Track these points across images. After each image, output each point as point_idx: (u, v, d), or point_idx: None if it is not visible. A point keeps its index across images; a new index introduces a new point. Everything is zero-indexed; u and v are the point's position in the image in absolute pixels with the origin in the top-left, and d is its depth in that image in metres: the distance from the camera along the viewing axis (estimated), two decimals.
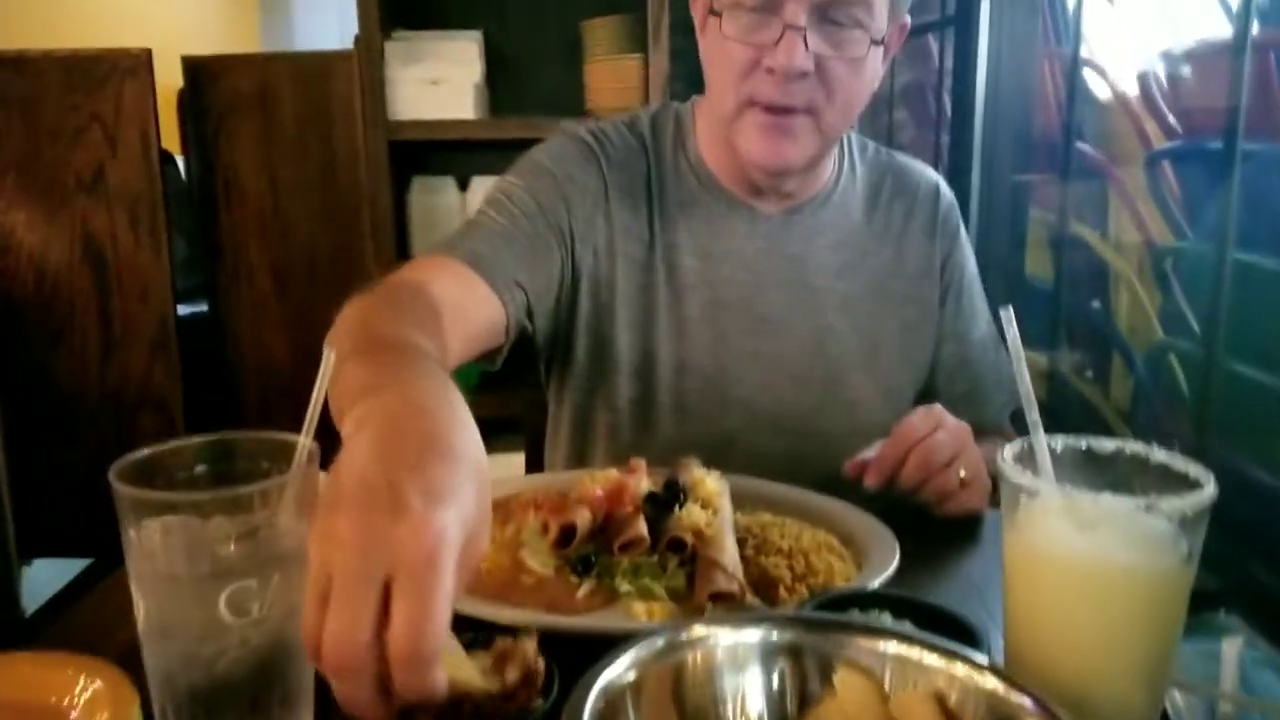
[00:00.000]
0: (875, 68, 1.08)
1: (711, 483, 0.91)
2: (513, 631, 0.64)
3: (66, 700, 0.58)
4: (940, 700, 0.55)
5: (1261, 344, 1.38)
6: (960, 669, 0.56)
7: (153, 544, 0.50)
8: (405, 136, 2.44)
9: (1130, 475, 0.65)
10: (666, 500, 0.87)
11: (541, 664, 0.62)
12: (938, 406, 1.03)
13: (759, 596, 0.80)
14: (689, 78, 1.18)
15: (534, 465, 1.51)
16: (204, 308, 2.81)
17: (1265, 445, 1.38)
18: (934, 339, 1.24)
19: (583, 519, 0.83)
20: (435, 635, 0.49)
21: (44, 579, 2.51)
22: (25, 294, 2.57)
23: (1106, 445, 0.67)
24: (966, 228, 2.01)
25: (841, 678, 0.57)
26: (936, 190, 1.27)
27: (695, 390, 1.17)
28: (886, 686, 0.56)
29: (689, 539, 0.83)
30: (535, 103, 2.65)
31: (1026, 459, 0.65)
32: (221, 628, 0.50)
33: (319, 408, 0.58)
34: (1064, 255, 1.89)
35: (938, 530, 0.99)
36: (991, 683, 0.54)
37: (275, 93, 2.78)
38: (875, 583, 0.80)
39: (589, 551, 0.82)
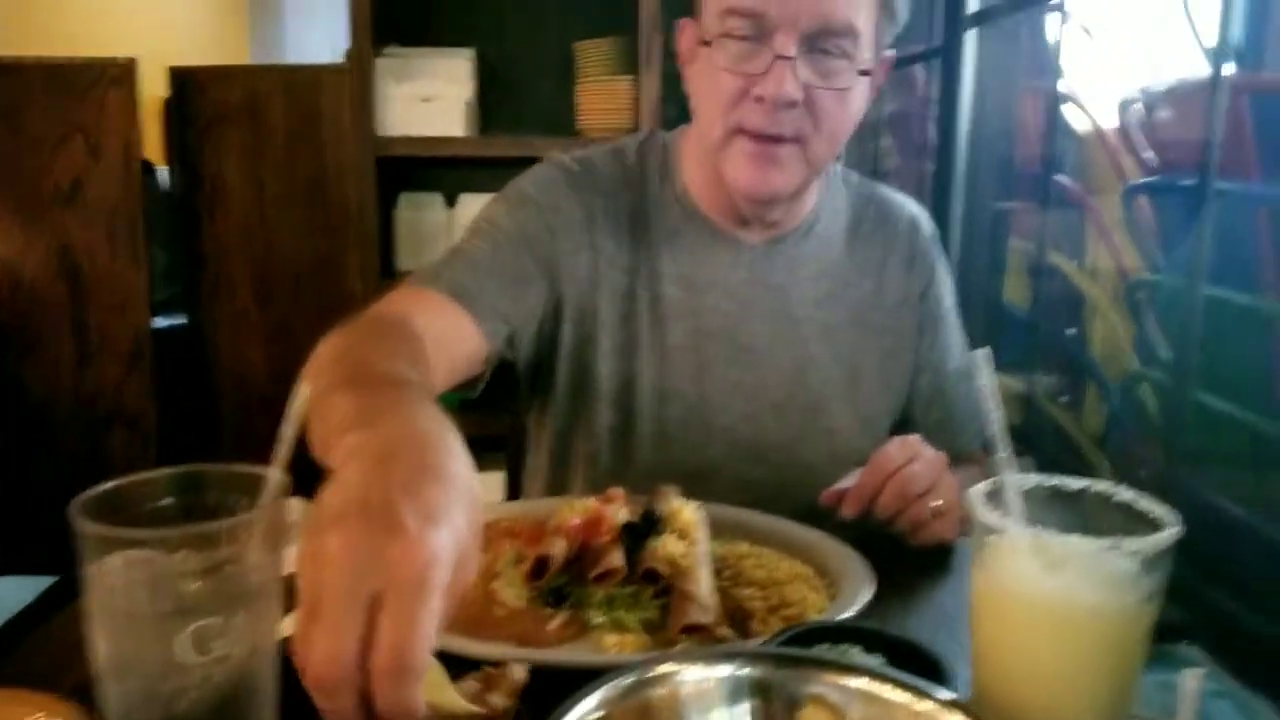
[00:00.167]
0: (861, 99, 1.10)
1: (689, 513, 0.91)
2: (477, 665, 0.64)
3: None
4: None
5: (1230, 377, 1.39)
6: (925, 706, 0.56)
7: (114, 580, 0.50)
8: (394, 152, 2.44)
9: (1097, 513, 0.66)
10: (643, 530, 0.87)
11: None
12: (914, 437, 1.04)
13: (732, 628, 0.81)
14: (680, 100, 1.19)
15: (515, 484, 1.51)
16: (182, 320, 2.80)
17: (1232, 477, 1.40)
18: (911, 368, 1.25)
19: (558, 549, 0.83)
20: (420, 653, 0.49)
21: (9, 596, 2.47)
22: None
23: (1074, 484, 0.68)
24: (948, 254, 2.03)
25: (808, 714, 0.57)
26: (916, 222, 1.28)
27: (677, 419, 1.18)
28: None
29: (664, 570, 0.83)
30: (526, 122, 2.66)
31: (995, 498, 0.66)
32: (183, 666, 0.50)
33: (291, 440, 0.58)
34: (1041, 283, 1.91)
35: (911, 560, 0.99)
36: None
37: (264, 104, 2.78)
38: (848, 614, 0.80)
39: (563, 583, 0.82)
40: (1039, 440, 1.93)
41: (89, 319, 2.57)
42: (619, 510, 0.90)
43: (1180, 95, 1.64)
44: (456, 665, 0.65)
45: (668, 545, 0.85)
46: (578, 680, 0.54)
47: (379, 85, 2.42)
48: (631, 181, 1.21)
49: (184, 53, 3.51)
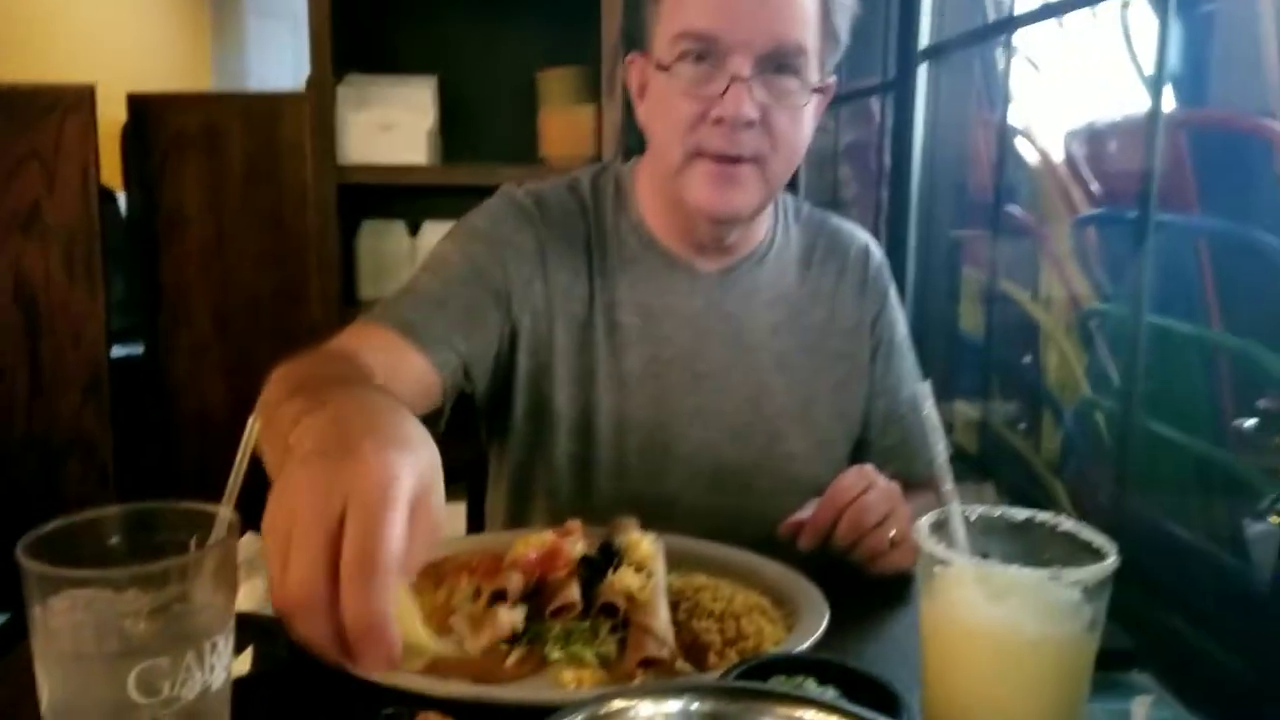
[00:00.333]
0: (812, 119, 1.13)
1: (647, 545, 0.92)
2: (438, 704, 0.64)
3: None
4: None
5: (1176, 404, 1.43)
6: None
7: (59, 622, 0.49)
8: (355, 180, 2.44)
9: (1040, 543, 0.68)
10: (601, 564, 0.87)
11: None
12: (869, 466, 1.06)
13: (689, 661, 0.81)
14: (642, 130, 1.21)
15: (475, 516, 1.51)
16: (140, 349, 2.76)
17: (1181, 502, 1.42)
18: (866, 394, 1.28)
19: (514, 584, 0.83)
20: (384, 556, 0.52)
21: None
22: None
23: (1019, 514, 0.70)
24: (904, 282, 2.07)
25: None
26: (867, 251, 1.31)
27: (635, 447, 1.18)
28: None
29: (622, 604, 0.83)
30: (489, 150, 2.67)
31: (942, 529, 0.67)
32: (130, 707, 0.50)
33: (241, 476, 0.58)
34: (995, 312, 1.95)
35: (867, 591, 1.00)
36: None
37: (223, 132, 2.77)
38: (804, 646, 0.81)
39: (520, 617, 0.82)
40: (997, 467, 1.96)
41: (44, 347, 2.52)
42: (576, 543, 0.90)
43: (1122, 129, 1.68)
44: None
45: (625, 578, 0.85)
46: (535, 717, 0.54)
47: (340, 113, 2.42)
48: (586, 212, 1.22)
49: (146, 80, 3.48)
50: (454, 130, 2.64)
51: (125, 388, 2.63)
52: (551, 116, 2.52)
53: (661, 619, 0.82)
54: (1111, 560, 0.63)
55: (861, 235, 1.33)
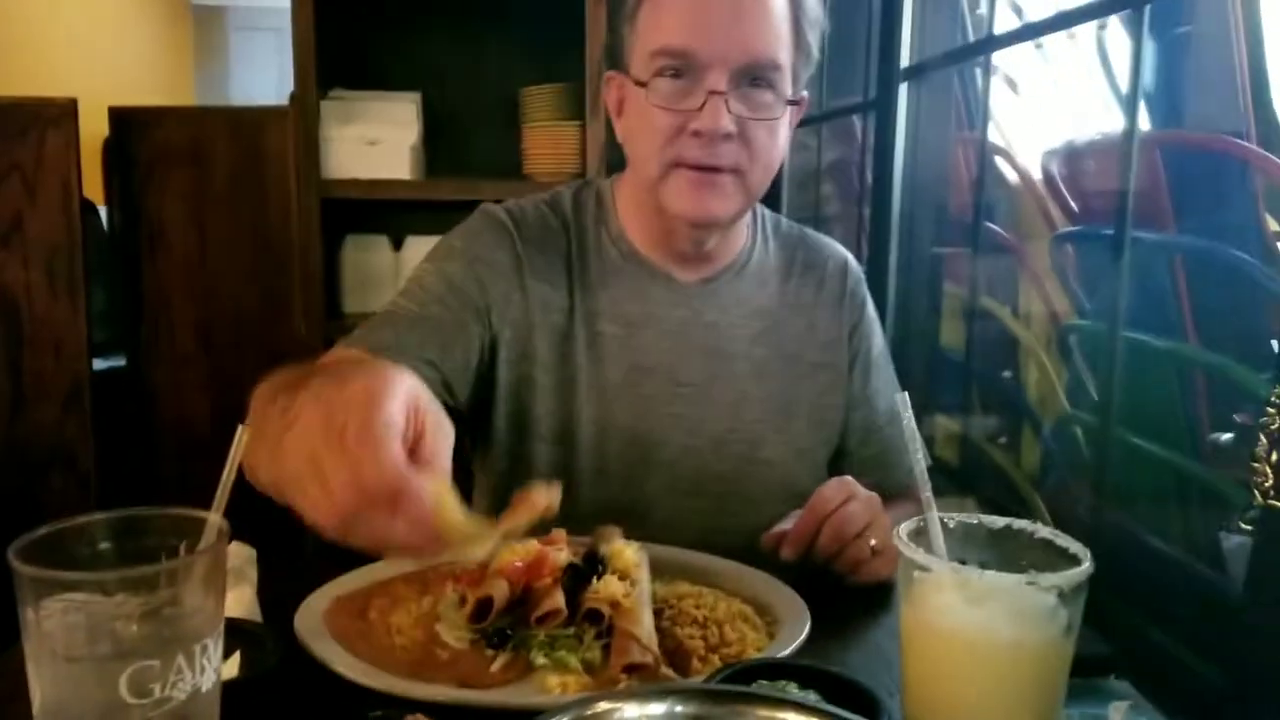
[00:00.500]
0: (787, 131, 1.17)
1: (631, 553, 0.93)
2: (425, 708, 0.65)
3: None
4: None
5: (1152, 418, 1.45)
6: None
7: (52, 624, 0.50)
8: (339, 195, 2.44)
9: (1018, 549, 0.69)
10: (585, 572, 0.88)
11: None
12: (849, 478, 1.07)
13: (673, 667, 0.82)
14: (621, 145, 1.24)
15: None
16: (122, 362, 2.75)
17: (1158, 515, 1.44)
18: (844, 404, 1.30)
19: (500, 591, 0.84)
20: (379, 424, 0.63)
21: None
22: None
23: (997, 522, 0.71)
24: (885, 298, 2.09)
25: None
26: (845, 264, 1.34)
27: (616, 454, 1.20)
28: None
29: (606, 610, 0.84)
30: (473, 165, 2.68)
31: (920, 536, 0.68)
32: (122, 708, 0.50)
33: (230, 483, 0.58)
34: (975, 328, 1.97)
35: (847, 598, 1.02)
36: None
37: (207, 146, 2.76)
38: (786, 652, 0.82)
39: (505, 624, 0.83)
40: (977, 481, 1.97)
41: (26, 360, 2.51)
42: (561, 552, 0.91)
43: (1099, 148, 1.71)
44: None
45: (610, 586, 0.86)
46: None
47: (324, 128, 2.43)
48: (567, 226, 1.24)
49: (128, 93, 3.48)
50: (438, 146, 2.65)
51: (107, 400, 2.61)
52: (535, 133, 2.53)
53: (645, 626, 0.83)
54: (1086, 565, 0.64)
55: (839, 249, 1.36)
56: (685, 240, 1.20)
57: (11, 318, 2.50)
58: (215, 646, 0.55)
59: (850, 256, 1.35)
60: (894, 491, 1.24)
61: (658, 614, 0.87)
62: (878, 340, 1.34)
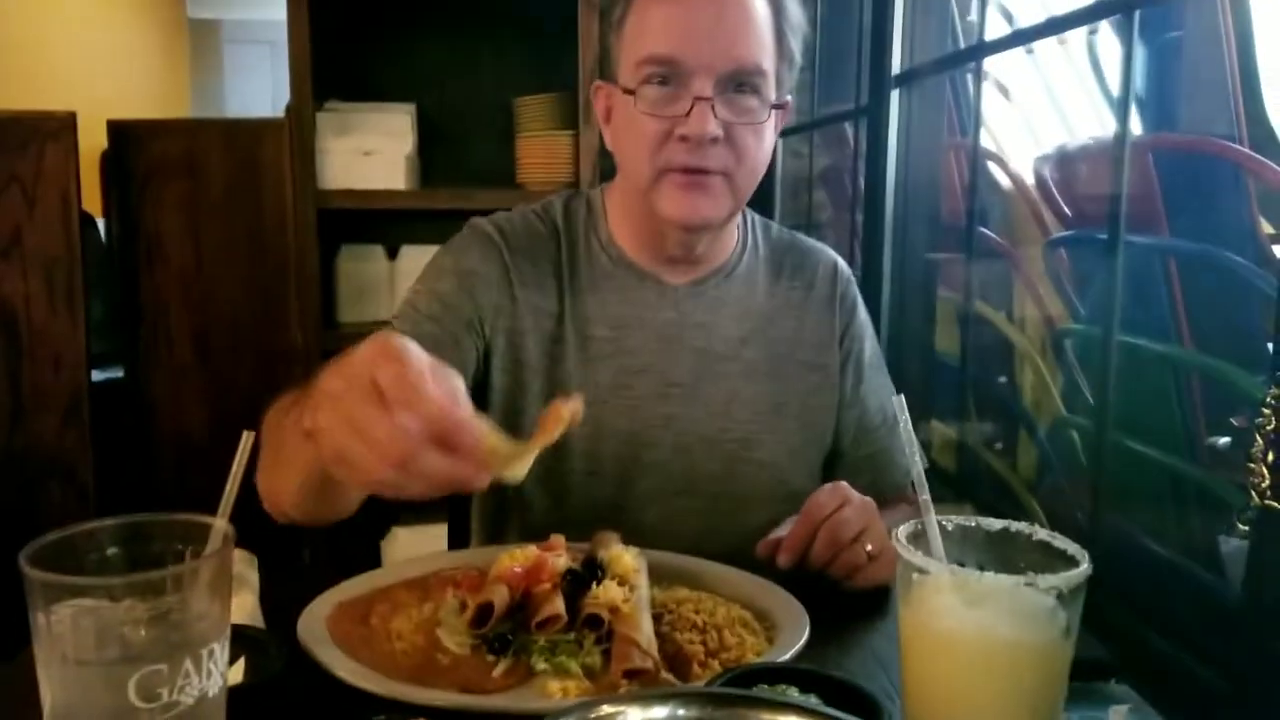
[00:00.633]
0: (772, 134, 1.19)
1: (629, 559, 0.93)
2: (427, 712, 0.65)
3: None
4: None
5: (1149, 422, 1.46)
6: None
7: (62, 629, 0.50)
8: (335, 205, 2.45)
9: (1016, 552, 0.69)
10: (585, 577, 0.89)
11: None
12: (843, 483, 1.08)
13: (673, 672, 0.82)
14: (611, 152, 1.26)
15: (456, 534, 1.52)
16: (119, 373, 2.75)
17: (1156, 518, 1.45)
18: (836, 404, 1.31)
19: (500, 597, 0.84)
20: (413, 370, 0.65)
21: None
22: None
23: (994, 524, 0.71)
24: (880, 304, 2.10)
25: None
26: (835, 266, 1.35)
27: (608, 455, 1.21)
28: None
29: (606, 615, 0.84)
30: (467, 175, 2.69)
31: (919, 539, 0.69)
32: (131, 712, 0.50)
33: (235, 489, 0.59)
34: (970, 333, 1.98)
35: (846, 603, 1.02)
36: None
37: (203, 158, 2.77)
38: (785, 656, 0.82)
39: (506, 630, 0.83)
40: (974, 486, 1.98)
41: (25, 372, 2.51)
42: (559, 557, 0.91)
43: (1091, 152, 1.72)
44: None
45: (609, 591, 0.87)
46: None
47: (320, 139, 2.44)
48: (557, 234, 1.27)
49: (126, 106, 3.49)
50: (433, 156, 2.66)
51: (105, 411, 2.61)
52: (529, 142, 2.55)
53: (645, 631, 0.83)
54: (1085, 566, 0.64)
55: (829, 252, 1.38)
56: (676, 244, 1.22)
57: (11, 330, 2.50)
58: (221, 652, 0.55)
59: (840, 259, 1.37)
60: (888, 493, 1.25)
61: (657, 619, 0.88)
62: (870, 342, 1.36)
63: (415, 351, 0.68)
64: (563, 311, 1.23)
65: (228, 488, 0.58)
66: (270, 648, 0.75)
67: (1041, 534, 0.69)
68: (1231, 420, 1.39)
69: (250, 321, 2.77)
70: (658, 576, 0.96)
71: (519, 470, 0.73)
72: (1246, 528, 0.95)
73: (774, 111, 1.16)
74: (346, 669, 0.78)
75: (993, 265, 1.99)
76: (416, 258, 2.54)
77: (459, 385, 0.69)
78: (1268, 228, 1.40)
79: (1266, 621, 0.90)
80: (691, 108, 1.10)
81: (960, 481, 2.00)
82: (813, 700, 0.69)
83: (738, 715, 0.60)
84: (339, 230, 2.57)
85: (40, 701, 0.53)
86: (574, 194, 1.32)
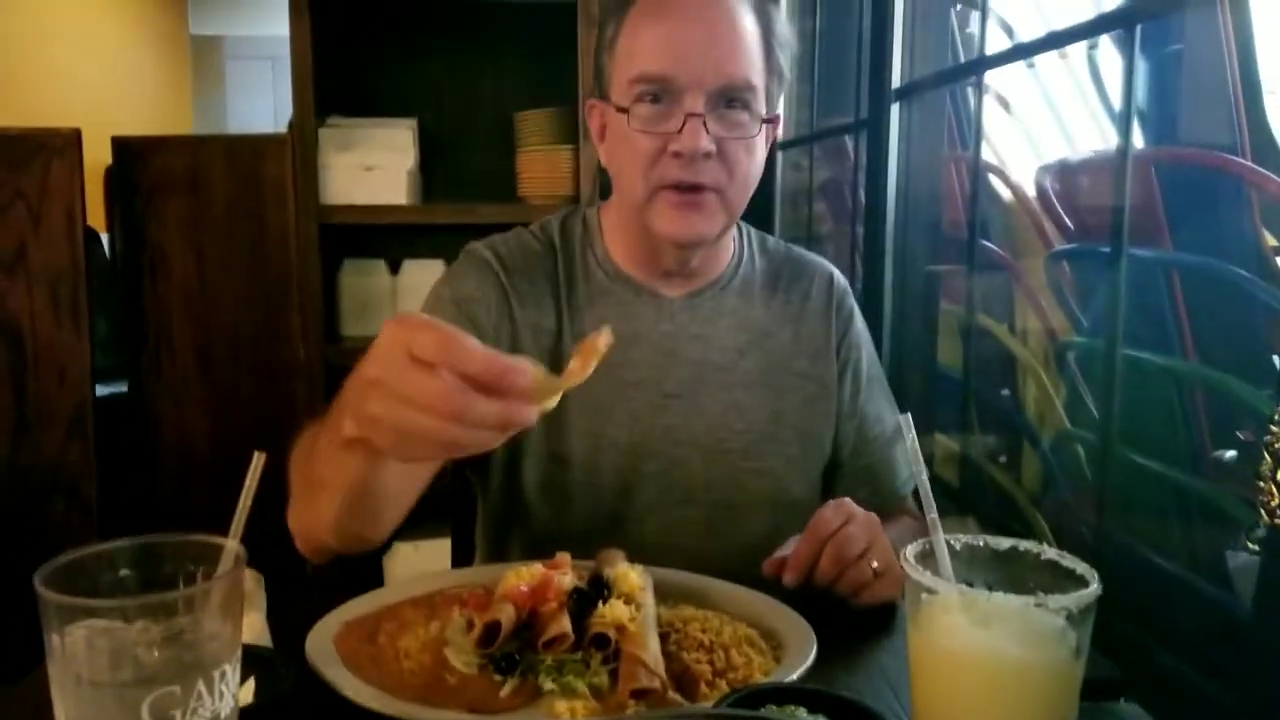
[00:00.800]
0: (763, 148, 1.21)
1: (635, 576, 0.93)
2: None
3: None
4: None
5: (1153, 435, 1.45)
6: None
7: (76, 650, 0.50)
8: (337, 220, 2.46)
9: (1024, 571, 0.69)
10: (591, 596, 0.88)
11: None
12: (847, 500, 1.08)
13: (680, 692, 0.82)
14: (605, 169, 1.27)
15: (460, 549, 1.52)
16: (123, 388, 2.75)
17: (1161, 533, 1.44)
18: (834, 414, 1.31)
19: (507, 616, 0.84)
20: (448, 333, 0.68)
21: None
22: None
23: (1002, 543, 0.71)
24: (881, 317, 2.10)
25: None
26: (830, 277, 1.37)
27: (609, 467, 1.22)
28: None
29: (613, 634, 0.84)
30: (468, 189, 2.70)
31: (927, 558, 0.68)
32: None
33: (246, 509, 0.59)
34: (972, 346, 1.97)
35: (854, 622, 1.01)
36: None
37: (206, 173, 2.78)
38: (793, 676, 0.82)
39: (513, 649, 0.83)
40: (979, 500, 1.97)
41: (30, 387, 2.51)
42: (565, 576, 0.91)
43: (1093, 165, 1.73)
44: None
45: (615, 610, 0.86)
46: None
47: (322, 154, 2.45)
48: (554, 252, 1.28)
49: (129, 122, 3.50)
50: (434, 170, 2.67)
51: (109, 425, 2.62)
52: (529, 156, 2.56)
53: (652, 650, 0.83)
54: (1094, 587, 0.64)
55: (824, 263, 1.39)
56: (671, 259, 1.24)
57: (16, 345, 2.51)
58: (233, 673, 0.55)
59: (835, 271, 1.38)
60: (889, 503, 1.27)
61: (663, 638, 0.87)
62: (868, 352, 1.37)
63: (434, 317, 0.71)
64: (561, 328, 1.24)
65: (239, 508, 0.58)
66: (279, 667, 0.75)
67: (1050, 553, 0.69)
68: (1237, 434, 1.38)
69: (253, 336, 2.77)
70: (663, 594, 0.96)
71: (553, 402, 0.74)
72: (1256, 546, 0.94)
73: (764, 126, 1.18)
74: (355, 689, 0.78)
75: (994, 278, 1.99)
76: (418, 272, 2.55)
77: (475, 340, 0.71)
78: (1272, 240, 1.40)
79: (1277, 640, 0.89)
80: (684, 124, 1.12)
81: (963, 495, 1.99)
82: None
83: None
84: (341, 245, 2.58)
85: None
86: (570, 212, 1.34)
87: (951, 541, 0.70)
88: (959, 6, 2.12)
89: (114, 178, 2.76)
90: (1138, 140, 1.43)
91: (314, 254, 2.43)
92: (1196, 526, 1.42)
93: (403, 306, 2.52)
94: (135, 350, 2.72)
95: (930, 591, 0.66)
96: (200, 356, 2.74)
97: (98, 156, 2.72)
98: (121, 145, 2.72)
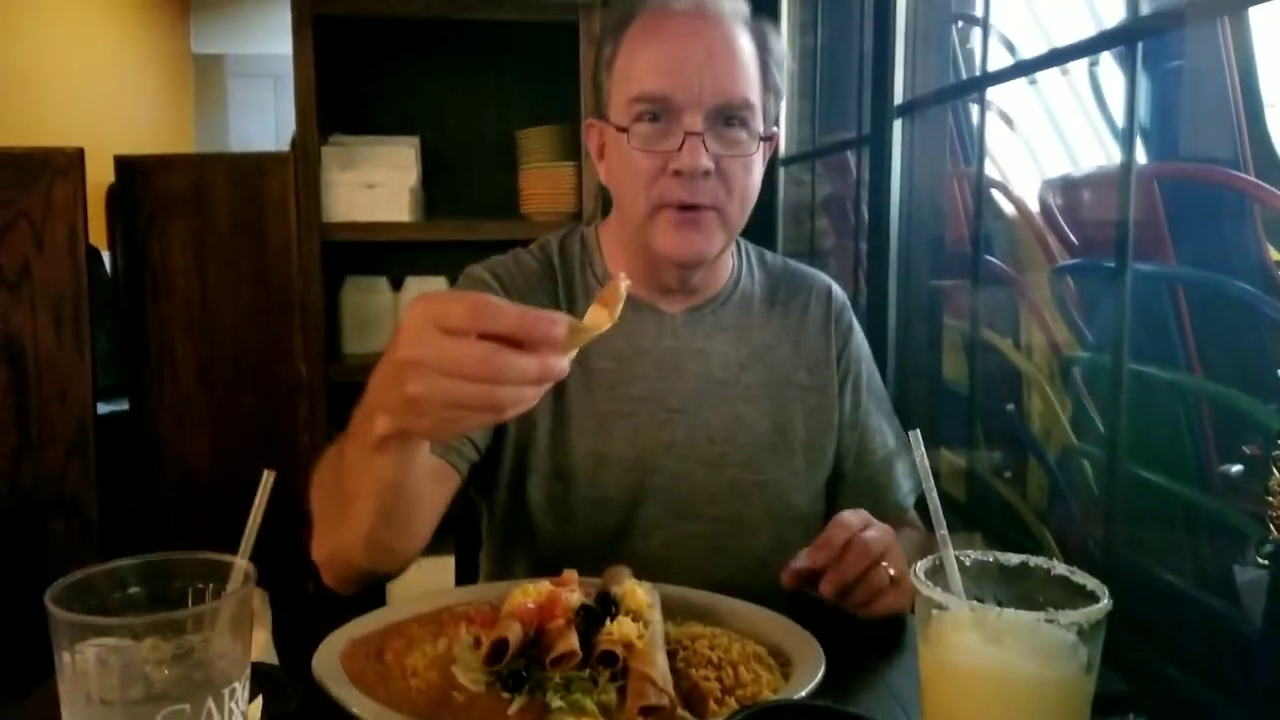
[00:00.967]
0: (761, 166, 1.22)
1: (642, 593, 0.93)
2: None
3: None
4: None
5: (1159, 450, 1.45)
6: None
7: (86, 668, 0.50)
8: (339, 238, 2.46)
9: (1034, 587, 0.69)
10: (599, 613, 0.88)
11: None
12: (862, 510, 1.08)
13: (689, 710, 0.81)
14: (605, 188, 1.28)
15: (463, 568, 1.52)
16: (125, 406, 2.75)
17: (1168, 548, 1.44)
18: (836, 425, 1.32)
19: (514, 633, 0.83)
20: (473, 297, 0.70)
21: None
22: None
23: (1012, 559, 0.71)
24: (885, 332, 2.10)
25: None
26: (829, 290, 1.38)
27: (613, 482, 1.22)
28: None
29: (620, 652, 0.83)
30: (470, 206, 2.71)
31: (937, 574, 0.68)
32: None
33: (256, 527, 0.59)
34: (977, 361, 1.97)
35: (863, 639, 1.01)
36: None
37: (208, 192, 2.78)
38: (801, 693, 0.82)
39: (520, 667, 0.83)
40: (984, 516, 1.97)
41: (32, 405, 2.51)
42: (573, 593, 0.90)
43: (1096, 180, 1.73)
44: None
45: (623, 627, 0.86)
46: None
47: (324, 172, 2.46)
48: (554, 271, 1.29)
49: (131, 141, 3.51)
50: (436, 188, 2.68)
51: (111, 443, 2.61)
52: (532, 173, 2.56)
53: (660, 667, 0.82)
54: (1105, 602, 0.64)
55: (822, 276, 1.40)
56: (672, 277, 1.25)
57: (18, 363, 2.50)
58: (243, 691, 0.55)
59: (834, 284, 1.40)
60: (890, 513, 1.27)
61: (671, 655, 0.87)
62: (868, 363, 1.37)
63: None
64: None
65: (248, 526, 0.58)
66: (286, 685, 0.74)
67: (1060, 568, 0.69)
68: (1243, 448, 1.38)
69: (255, 354, 2.77)
70: (670, 611, 0.96)
71: (575, 350, 0.76)
72: (1264, 561, 0.94)
73: (762, 144, 1.20)
74: (363, 707, 0.77)
75: (998, 293, 1.99)
76: (421, 289, 2.55)
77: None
78: (1275, 254, 1.40)
79: None
80: (683, 143, 1.13)
81: (970, 510, 1.99)
82: None
83: None
84: (343, 262, 2.58)
85: None
86: (568, 231, 1.35)
87: (961, 557, 0.70)
88: (960, 24, 2.14)
89: (116, 196, 2.76)
90: (1140, 156, 1.43)
91: (316, 271, 2.43)
92: (1204, 541, 1.42)
93: None
94: (137, 368, 2.71)
95: (941, 608, 0.65)
96: (202, 374, 2.74)
97: (100, 175, 2.72)
98: (124, 164, 2.73)
